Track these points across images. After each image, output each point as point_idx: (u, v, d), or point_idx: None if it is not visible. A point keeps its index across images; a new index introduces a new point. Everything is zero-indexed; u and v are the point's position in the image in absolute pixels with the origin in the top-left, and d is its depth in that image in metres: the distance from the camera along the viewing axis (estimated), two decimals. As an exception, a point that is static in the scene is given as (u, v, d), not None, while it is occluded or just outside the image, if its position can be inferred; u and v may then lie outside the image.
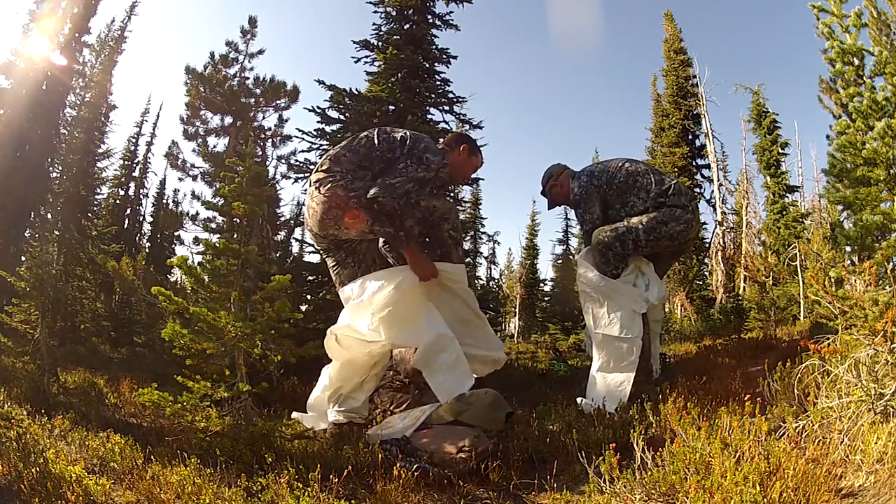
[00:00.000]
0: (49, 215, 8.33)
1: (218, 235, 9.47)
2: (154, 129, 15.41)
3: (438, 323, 2.91)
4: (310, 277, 5.58)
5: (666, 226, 3.28)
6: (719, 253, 12.76)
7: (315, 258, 5.91)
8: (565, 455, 2.15)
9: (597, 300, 3.35)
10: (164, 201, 15.53)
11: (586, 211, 3.51)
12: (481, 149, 3.46)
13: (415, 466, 1.98)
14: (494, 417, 2.46)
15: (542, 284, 19.01)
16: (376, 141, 3.06)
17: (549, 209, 3.93)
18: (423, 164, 2.98)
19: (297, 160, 8.91)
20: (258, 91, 10.36)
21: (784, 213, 11.27)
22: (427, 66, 6.48)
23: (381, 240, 3.35)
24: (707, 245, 13.67)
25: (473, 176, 7.52)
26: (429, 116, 6.43)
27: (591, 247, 3.48)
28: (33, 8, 8.06)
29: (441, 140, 3.39)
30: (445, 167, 3.13)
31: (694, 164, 14.70)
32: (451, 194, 6.33)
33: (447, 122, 6.80)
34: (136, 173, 14.96)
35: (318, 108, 6.05)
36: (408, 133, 3.14)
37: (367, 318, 2.87)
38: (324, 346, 2.88)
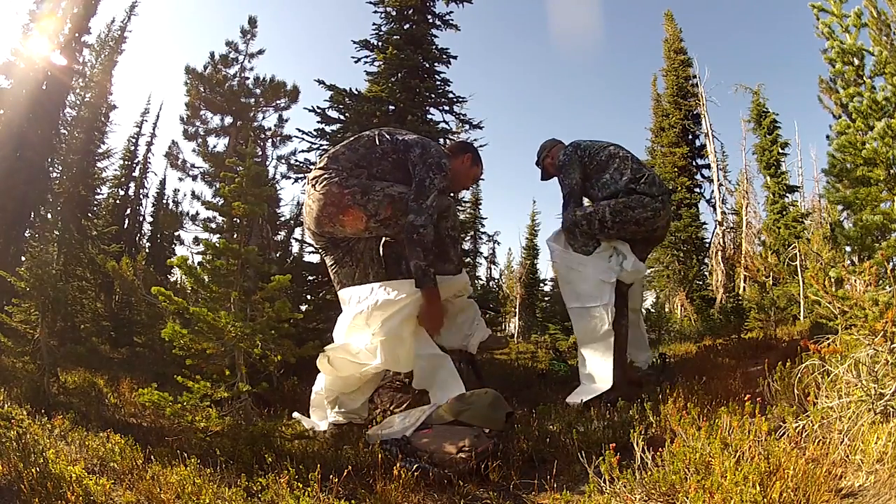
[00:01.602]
0: (49, 215, 8.33)
1: (218, 235, 9.47)
2: (154, 129, 15.40)
3: (428, 345, 2.89)
4: (310, 277, 5.58)
5: (633, 211, 3.37)
6: (719, 253, 12.77)
7: (315, 258, 5.91)
8: (565, 455, 2.15)
9: (566, 276, 3.52)
10: (164, 201, 15.50)
11: (566, 175, 3.62)
12: (481, 155, 3.47)
13: (415, 466, 1.98)
14: (494, 417, 2.46)
15: (542, 284, 18.97)
16: (377, 141, 3.05)
17: (542, 180, 4.00)
18: (442, 172, 2.97)
19: (297, 160, 8.93)
20: (258, 91, 10.35)
21: (784, 213, 11.26)
22: (427, 66, 6.48)
23: (382, 241, 3.34)
24: (707, 245, 13.67)
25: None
26: (429, 116, 6.43)
27: (560, 228, 3.64)
28: (33, 8, 8.07)
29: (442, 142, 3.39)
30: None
31: (694, 164, 14.70)
32: (451, 194, 6.32)
33: (447, 122, 6.80)
34: (136, 173, 14.94)
35: (318, 108, 6.06)
36: (416, 137, 3.13)
37: (365, 336, 2.83)
38: (324, 347, 2.88)
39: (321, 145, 6.01)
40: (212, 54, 10.16)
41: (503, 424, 2.47)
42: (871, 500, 1.45)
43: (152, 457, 2.07)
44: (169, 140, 25.46)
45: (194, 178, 10.69)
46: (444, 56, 6.57)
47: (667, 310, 11.98)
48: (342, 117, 6.00)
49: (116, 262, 7.00)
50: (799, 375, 2.15)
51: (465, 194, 16.99)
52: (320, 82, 6.12)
